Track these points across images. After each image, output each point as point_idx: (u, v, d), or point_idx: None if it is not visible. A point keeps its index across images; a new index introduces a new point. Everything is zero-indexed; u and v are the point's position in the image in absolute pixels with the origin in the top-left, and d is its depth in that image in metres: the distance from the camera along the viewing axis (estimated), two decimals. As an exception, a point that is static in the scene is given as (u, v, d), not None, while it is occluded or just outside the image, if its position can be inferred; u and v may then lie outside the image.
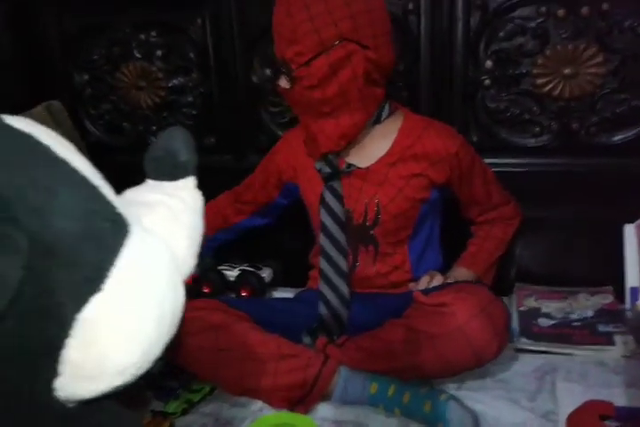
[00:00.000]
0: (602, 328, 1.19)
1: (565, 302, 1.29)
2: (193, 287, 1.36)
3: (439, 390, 1.03)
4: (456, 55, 1.30)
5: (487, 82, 1.30)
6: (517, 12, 1.25)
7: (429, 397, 0.99)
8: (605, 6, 1.20)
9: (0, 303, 0.42)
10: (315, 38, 1.02)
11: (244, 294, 1.36)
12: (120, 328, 0.47)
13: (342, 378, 1.04)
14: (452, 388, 1.07)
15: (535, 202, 1.30)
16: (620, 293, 1.26)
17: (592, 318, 1.23)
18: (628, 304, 1.22)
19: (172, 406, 1.05)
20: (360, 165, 1.16)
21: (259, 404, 1.06)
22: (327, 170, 1.16)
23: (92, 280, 0.46)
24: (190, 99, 1.48)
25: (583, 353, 1.15)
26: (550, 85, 1.27)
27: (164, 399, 1.06)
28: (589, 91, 1.26)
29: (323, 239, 1.17)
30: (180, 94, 1.48)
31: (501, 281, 1.29)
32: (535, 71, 1.27)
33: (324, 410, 1.04)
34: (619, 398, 1.00)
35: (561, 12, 1.22)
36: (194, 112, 1.49)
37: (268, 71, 1.40)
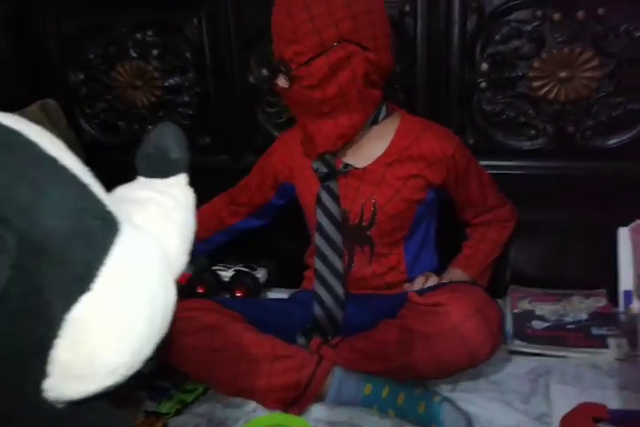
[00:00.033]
0: (595, 331, 1.19)
1: (559, 305, 1.29)
2: (187, 287, 1.36)
3: (433, 391, 1.03)
4: (452, 58, 1.30)
5: (483, 84, 1.30)
6: (513, 16, 1.25)
7: (423, 398, 0.99)
8: (601, 10, 1.20)
9: None
10: (315, 39, 1.02)
11: (238, 295, 1.36)
12: (110, 328, 0.47)
13: (336, 379, 1.04)
14: (445, 389, 1.07)
15: (530, 205, 1.30)
16: (613, 296, 1.27)
17: (586, 320, 1.23)
18: (621, 307, 1.23)
19: (166, 407, 1.04)
20: (357, 166, 1.16)
21: (252, 405, 1.06)
22: (324, 170, 1.16)
23: (81, 279, 0.45)
24: (186, 98, 1.48)
25: (577, 356, 1.15)
26: (546, 89, 1.27)
27: (157, 400, 1.06)
28: (585, 94, 1.26)
29: (318, 239, 1.17)
30: (176, 94, 1.48)
31: (496, 283, 1.29)
32: (531, 74, 1.27)
33: (317, 411, 1.04)
34: (612, 400, 1.00)
35: (557, 16, 1.22)
36: (190, 112, 1.49)
37: (264, 71, 1.40)
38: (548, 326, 1.22)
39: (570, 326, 1.22)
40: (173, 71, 1.47)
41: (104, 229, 0.47)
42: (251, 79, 1.42)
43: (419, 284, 1.16)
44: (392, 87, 1.31)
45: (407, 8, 1.29)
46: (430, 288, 1.11)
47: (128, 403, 1.00)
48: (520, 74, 1.28)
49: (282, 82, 1.10)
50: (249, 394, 1.05)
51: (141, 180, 0.58)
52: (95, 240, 0.46)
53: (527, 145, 1.32)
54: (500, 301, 1.19)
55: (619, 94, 1.25)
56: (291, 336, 1.12)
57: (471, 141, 1.33)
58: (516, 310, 1.28)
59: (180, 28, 1.43)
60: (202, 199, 1.47)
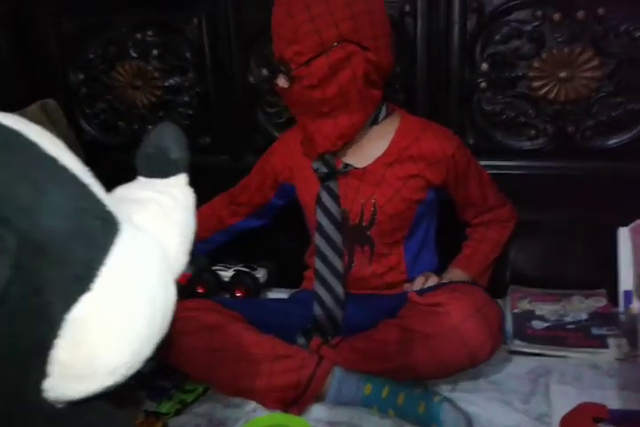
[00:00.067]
0: (595, 331, 1.19)
1: (559, 305, 1.29)
2: (187, 287, 1.36)
3: (433, 391, 1.03)
4: (452, 58, 1.30)
5: (483, 84, 1.30)
6: (513, 16, 1.25)
7: (423, 398, 0.99)
8: (601, 11, 1.20)
9: None
10: (315, 39, 1.02)
11: (238, 295, 1.36)
12: (110, 328, 0.46)
13: (336, 379, 1.04)
14: (445, 389, 1.07)
15: (530, 205, 1.30)
16: (613, 296, 1.27)
17: (586, 320, 1.23)
18: (621, 307, 1.23)
19: (166, 407, 1.04)
20: (357, 166, 1.16)
21: (252, 405, 1.06)
22: (324, 170, 1.16)
23: (81, 279, 0.45)
24: (186, 98, 1.48)
25: (577, 356, 1.14)
26: (546, 88, 1.27)
27: (157, 400, 1.06)
28: (585, 94, 1.26)
29: (318, 239, 1.17)
30: (176, 94, 1.48)
31: (496, 283, 1.29)
32: (531, 74, 1.27)
33: (317, 411, 1.04)
34: (612, 400, 1.00)
35: (557, 16, 1.22)
36: (190, 112, 1.49)
37: (264, 71, 1.40)
38: (548, 326, 1.22)
39: (570, 326, 1.21)
40: (173, 71, 1.47)
41: (104, 230, 0.47)
42: (251, 79, 1.42)
43: (419, 284, 1.16)
44: (392, 87, 1.31)
45: (407, 8, 1.29)
46: (430, 288, 1.11)
47: (128, 403, 1.00)
48: (520, 74, 1.28)
49: (282, 82, 1.09)
50: (249, 394, 1.05)
51: (141, 180, 0.58)
52: (95, 240, 0.46)
53: (527, 145, 1.32)
54: (499, 301, 1.19)
55: (619, 94, 1.25)
56: (291, 336, 1.12)
57: (471, 141, 1.33)
58: (516, 310, 1.28)
59: (179, 28, 1.43)
60: (202, 199, 1.47)
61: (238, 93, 1.44)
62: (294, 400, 1.03)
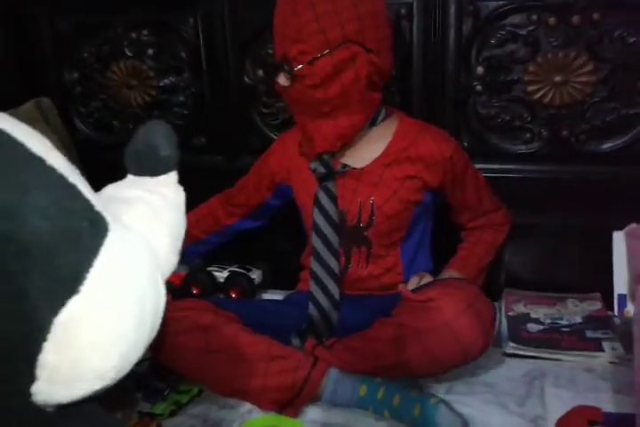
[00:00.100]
0: (590, 334, 1.20)
1: (554, 308, 1.29)
2: (182, 288, 1.35)
3: (429, 393, 1.03)
4: (448, 61, 1.31)
5: (479, 88, 1.31)
6: (509, 20, 1.26)
7: (419, 400, 0.98)
8: (596, 16, 1.21)
9: None
10: (320, 38, 1.02)
11: (233, 296, 1.35)
12: (98, 331, 0.46)
13: (332, 380, 1.03)
14: (441, 391, 1.06)
15: (525, 208, 1.31)
16: (608, 299, 1.27)
17: (580, 324, 1.23)
18: (616, 311, 1.24)
19: (160, 408, 1.03)
20: (355, 166, 1.16)
21: (247, 406, 1.05)
22: (322, 170, 1.16)
23: (69, 282, 0.44)
24: (181, 98, 1.47)
25: (572, 359, 1.15)
26: (541, 93, 1.28)
27: (152, 401, 1.05)
28: (579, 99, 1.27)
29: (315, 240, 1.16)
30: (172, 94, 1.47)
31: (491, 286, 1.29)
32: (526, 78, 1.28)
33: (312, 413, 1.04)
34: (607, 403, 1.01)
35: (552, 21, 1.23)
36: (185, 112, 1.48)
37: (260, 72, 1.40)
38: (542, 329, 1.22)
39: (565, 330, 1.22)
40: (168, 71, 1.46)
41: (92, 231, 0.46)
42: (246, 80, 1.42)
43: (413, 283, 1.16)
44: (388, 90, 1.31)
45: (403, 11, 1.29)
46: (423, 286, 1.11)
47: (122, 404, 0.99)
48: (515, 78, 1.28)
49: (282, 80, 1.09)
50: (244, 395, 1.04)
51: (131, 178, 0.57)
52: (83, 241, 0.45)
53: (522, 149, 1.33)
54: (494, 303, 1.19)
55: (613, 99, 1.26)
56: (285, 337, 1.12)
57: (466, 145, 1.33)
58: (511, 313, 1.28)
59: (175, 28, 1.43)
60: (197, 200, 1.47)
61: (233, 94, 1.43)
62: (289, 402, 1.02)
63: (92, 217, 0.47)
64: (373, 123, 1.15)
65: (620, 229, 1.25)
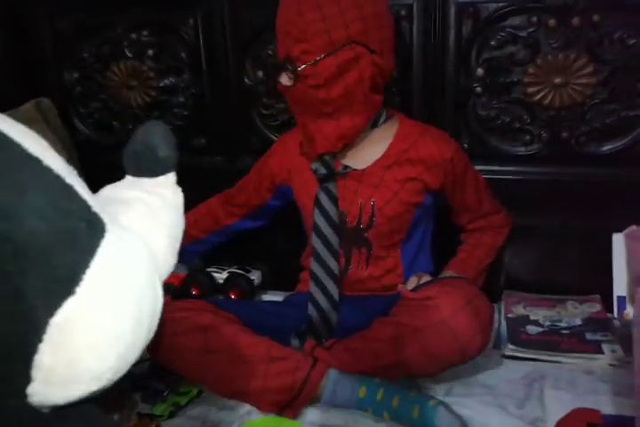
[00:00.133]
0: (590, 337, 1.19)
1: (554, 310, 1.29)
2: (181, 289, 1.35)
3: (428, 395, 1.02)
4: (448, 63, 1.30)
5: (478, 90, 1.31)
6: (509, 21, 1.26)
7: (418, 401, 0.98)
8: (596, 17, 1.21)
9: None
10: (325, 38, 1.02)
11: (232, 297, 1.35)
12: (95, 332, 0.45)
13: (331, 381, 1.03)
14: (440, 393, 1.06)
15: (525, 210, 1.31)
16: (607, 301, 1.27)
17: (580, 326, 1.23)
18: (615, 313, 1.23)
19: (159, 409, 1.03)
20: (356, 168, 1.16)
21: (247, 407, 1.05)
22: (323, 171, 1.16)
23: (66, 283, 0.44)
24: (181, 99, 1.47)
25: (571, 361, 1.14)
26: (541, 94, 1.28)
27: (151, 402, 1.05)
28: (579, 101, 1.27)
29: (315, 241, 1.16)
30: (172, 94, 1.47)
31: (490, 288, 1.28)
32: (526, 80, 1.28)
33: (311, 414, 1.03)
34: (606, 406, 1.00)
35: (552, 22, 1.23)
36: (185, 113, 1.48)
37: (260, 73, 1.40)
38: (542, 331, 1.22)
39: (564, 332, 1.22)
40: (168, 72, 1.46)
41: (89, 231, 0.46)
42: (246, 81, 1.41)
43: (412, 283, 1.16)
44: (389, 91, 1.31)
45: (403, 12, 1.29)
46: (422, 285, 1.11)
47: (121, 406, 0.99)
48: (515, 79, 1.28)
49: (285, 80, 1.09)
50: (243, 396, 1.04)
51: (129, 179, 0.57)
52: (80, 242, 0.45)
53: (522, 150, 1.33)
54: (494, 305, 1.19)
55: (613, 101, 1.26)
56: (285, 339, 1.11)
57: (466, 146, 1.33)
58: (510, 315, 1.28)
59: (175, 29, 1.43)
60: (196, 200, 1.46)
61: (233, 95, 1.43)
62: (289, 403, 1.02)
63: (88, 218, 0.47)
64: (375, 124, 1.16)
65: (620, 231, 1.25)
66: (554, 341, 1.19)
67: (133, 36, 1.45)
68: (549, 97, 1.27)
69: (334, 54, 1.04)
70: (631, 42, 1.21)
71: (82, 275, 0.45)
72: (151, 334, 0.51)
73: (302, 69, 1.05)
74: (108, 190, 0.56)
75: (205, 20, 1.40)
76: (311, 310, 1.15)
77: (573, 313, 1.28)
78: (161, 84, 1.47)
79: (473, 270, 1.24)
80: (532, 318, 1.27)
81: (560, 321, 1.25)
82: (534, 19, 1.24)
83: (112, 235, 0.47)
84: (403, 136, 1.17)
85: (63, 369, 0.45)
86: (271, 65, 1.35)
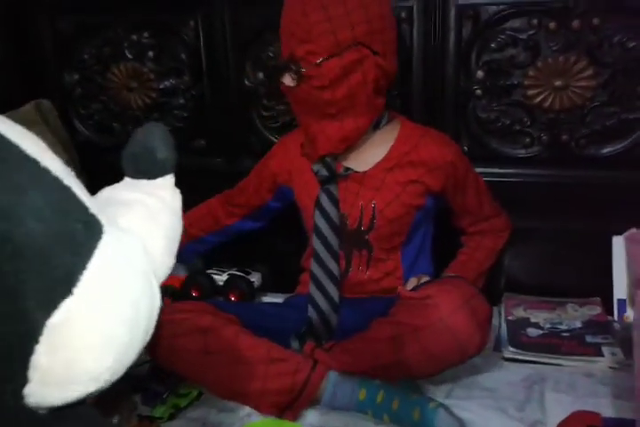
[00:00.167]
0: (590, 339, 1.19)
1: (554, 313, 1.29)
2: (181, 291, 1.35)
3: (428, 397, 1.02)
4: (448, 65, 1.31)
5: (478, 92, 1.31)
6: (509, 24, 1.26)
7: (418, 404, 0.98)
8: (596, 20, 1.21)
9: None
10: (330, 39, 1.02)
11: (232, 299, 1.35)
12: (92, 333, 0.45)
13: (331, 383, 1.03)
14: (440, 396, 1.06)
15: (525, 212, 1.31)
16: (608, 304, 1.27)
17: (580, 328, 1.23)
18: (616, 316, 1.23)
19: (159, 411, 1.03)
20: (357, 170, 1.16)
21: (247, 409, 1.05)
22: (324, 173, 1.16)
23: (62, 284, 0.44)
24: (182, 101, 1.47)
25: (571, 364, 1.14)
26: (541, 97, 1.28)
27: (151, 404, 1.05)
28: (579, 103, 1.27)
29: (316, 243, 1.16)
30: (172, 96, 1.47)
31: (490, 290, 1.28)
32: (526, 82, 1.28)
33: (311, 416, 1.03)
34: (606, 408, 1.01)
35: (552, 25, 1.23)
36: (185, 114, 1.48)
37: (260, 75, 1.40)
38: (542, 334, 1.22)
39: (564, 334, 1.22)
40: (169, 73, 1.46)
41: (87, 233, 0.46)
42: (246, 82, 1.41)
43: (412, 284, 1.15)
44: (389, 93, 1.31)
45: (403, 15, 1.29)
46: (421, 284, 1.10)
47: (120, 408, 0.99)
48: (515, 82, 1.28)
49: (288, 80, 1.09)
50: (243, 398, 1.04)
51: (128, 181, 0.56)
52: (77, 244, 0.45)
53: (522, 153, 1.33)
54: (494, 308, 1.19)
55: (613, 104, 1.26)
56: (285, 340, 1.11)
57: (466, 148, 1.33)
58: (510, 318, 1.28)
59: (175, 30, 1.43)
60: (196, 201, 1.46)
61: (234, 96, 1.43)
62: (289, 405, 1.02)
63: (86, 219, 0.46)
64: (377, 126, 1.16)
65: (620, 233, 1.25)
66: (554, 343, 1.19)
67: (134, 37, 1.45)
68: (549, 99, 1.28)
69: (339, 55, 1.04)
70: (631, 45, 1.21)
71: (79, 276, 0.44)
72: (149, 335, 0.50)
73: (307, 70, 1.05)
74: (107, 192, 0.56)
75: (205, 22, 1.40)
76: (311, 312, 1.15)
77: (573, 316, 1.27)
78: (161, 86, 1.47)
79: (473, 273, 1.24)
80: (533, 320, 1.27)
81: (560, 324, 1.25)
82: (534, 21, 1.24)
83: (109, 236, 0.47)
84: (404, 138, 1.17)
85: (60, 370, 0.45)
86: (274, 66, 1.35)
